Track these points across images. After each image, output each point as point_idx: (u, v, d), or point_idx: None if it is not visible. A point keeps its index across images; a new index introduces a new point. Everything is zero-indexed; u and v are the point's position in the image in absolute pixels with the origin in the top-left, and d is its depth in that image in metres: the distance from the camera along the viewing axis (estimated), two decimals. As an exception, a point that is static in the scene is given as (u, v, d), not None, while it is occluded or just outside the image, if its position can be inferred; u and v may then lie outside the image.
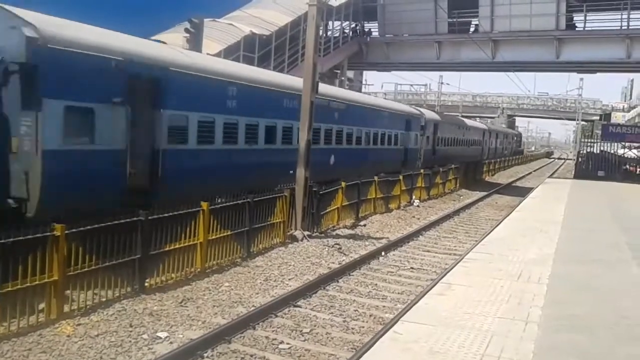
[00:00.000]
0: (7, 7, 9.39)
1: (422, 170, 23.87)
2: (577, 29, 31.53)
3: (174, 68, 11.86)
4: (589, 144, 36.57)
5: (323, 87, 18.14)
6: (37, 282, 7.24)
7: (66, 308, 7.66)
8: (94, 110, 9.92)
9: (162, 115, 11.49)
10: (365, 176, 18.33)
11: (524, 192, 27.49)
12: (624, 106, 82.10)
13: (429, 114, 33.33)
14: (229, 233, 11.01)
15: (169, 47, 13.78)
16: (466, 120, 47.76)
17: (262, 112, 14.94)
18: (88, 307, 7.93)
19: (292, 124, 15.91)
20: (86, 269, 7.91)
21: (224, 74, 13.78)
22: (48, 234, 7.38)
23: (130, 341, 7.17)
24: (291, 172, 14.37)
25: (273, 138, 15.63)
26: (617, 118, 70.12)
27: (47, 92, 9.12)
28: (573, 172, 37.17)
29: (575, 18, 31.61)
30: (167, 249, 9.41)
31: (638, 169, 33.70)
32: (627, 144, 35.77)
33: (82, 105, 9.75)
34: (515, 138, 78.47)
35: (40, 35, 9.03)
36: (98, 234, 8.05)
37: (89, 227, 7.91)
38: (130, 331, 7.47)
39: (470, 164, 34.82)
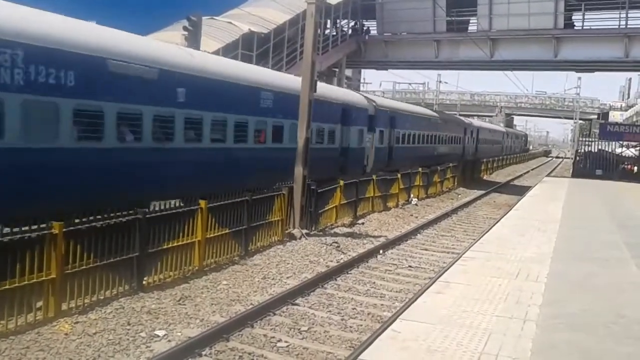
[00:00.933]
0: (367, 95, 26.99)
1: (420, 169, 23.98)
2: (575, 27, 31.51)
3: (399, 111, 27.86)
4: (586, 142, 36.57)
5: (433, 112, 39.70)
6: (34, 280, 7.23)
7: (64, 306, 7.65)
8: (383, 131, 24.81)
9: (394, 132, 26.36)
10: (446, 161, 30.32)
11: (522, 191, 27.52)
12: (621, 105, 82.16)
13: (476, 123, 50.77)
14: (227, 231, 11.01)
15: (395, 101, 36.48)
16: (493, 125, 65.72)
17: (424, 128, 31.58)
18: (86, 305, 7.92)
19: (433, 134, 33.75)
20: (84, 267, 7.90)
21: (411, 111, 31.25)
22: (46, 232, 7.36)
23: (128, 339, 7.17)
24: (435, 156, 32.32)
25: (432, 140, 33.26)
26: (615, 117, 70.08)
27: (376, 125, 23.76)
28: (571, 171, 37.22)
29: (573, 17, 31.58)
30: (165, 247, 9.41)
31: (635, 168, 33.71)
32: (624, 143, 35.80)
33: (381, 129, 24.54)
34: (523, 138, 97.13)
35: (376, 105, 24.12)
36: (96, 232, 8.06)
37: (86, 225, 7.91)
38: (128, 329, 7.46)
39: (469, 162, 36.13)
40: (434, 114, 36.84)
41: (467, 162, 35.39)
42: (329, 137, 19.40)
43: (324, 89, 19.68)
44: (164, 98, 11.70)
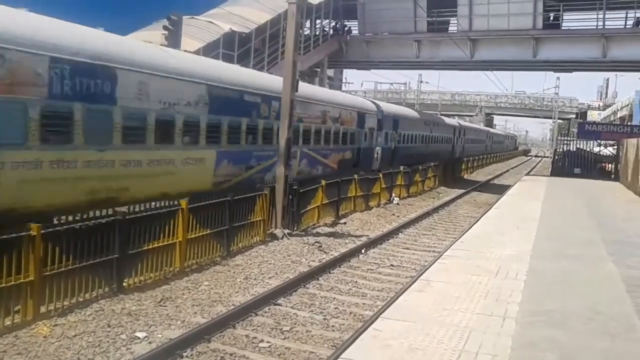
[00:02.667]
0: (460, 121, 58.40)
1: (401, 168, 24.11)
2: (554, 28, 31.89)
3: (464, 125, 52.01)
4: (565, 142, 37.03)
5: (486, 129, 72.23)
6: (12, 283, 7.13)
7: (42, 309, 7.56)
8: (469, 139, 51.78)
9: (462, 139, 46.90)
10: (479, 154, 54.76)
11: (501, 190, 27.77)
12: (599, 104, 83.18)
13: (492, 130, 77.97)
14: (208, 232, 10.96)
15: (459, 120, 58.34)
16: (498, 131, 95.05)
17: (473, 135, 55.80)
18: (65, 307, 7.83)
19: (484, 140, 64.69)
20: (63, 269, 7.80)
21: (470, 127, 57.39)
22: (24, 233, 7.26)
23: (108, 341, 7.11)
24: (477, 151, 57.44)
25: (478, 142, 58.61)
26: (593, 116, 71.08)
27: (462, 135, 48.75)
28: (550, 170, 37.66)
29: (552, 17, 31.97)
30: (145, 248, 9.33)
31: (612, 167, 34.21)
32: (602, 142, 36.31)
33: (465, 137, 50.01)
34: (514, 139, 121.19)
35: (460, 124, 50.58)
36: (75, 234, 7.97)
37: (65, 227, 7.82)
38: (109, 331, 7.40)
39: (449, 161, 36.97)
40: (479, 126, 64.33)
41: (448, 161, 35.99)
42: (448, 141, 40.65)
43: (452, 120, 48.57)
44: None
